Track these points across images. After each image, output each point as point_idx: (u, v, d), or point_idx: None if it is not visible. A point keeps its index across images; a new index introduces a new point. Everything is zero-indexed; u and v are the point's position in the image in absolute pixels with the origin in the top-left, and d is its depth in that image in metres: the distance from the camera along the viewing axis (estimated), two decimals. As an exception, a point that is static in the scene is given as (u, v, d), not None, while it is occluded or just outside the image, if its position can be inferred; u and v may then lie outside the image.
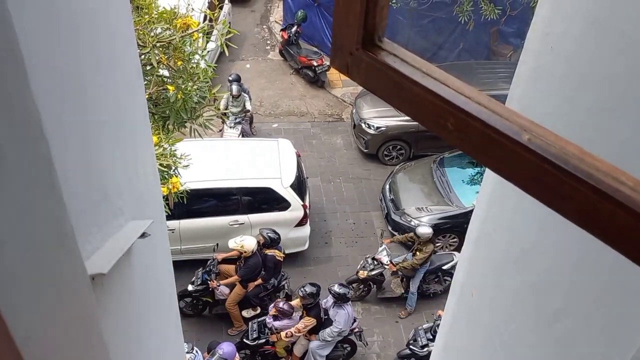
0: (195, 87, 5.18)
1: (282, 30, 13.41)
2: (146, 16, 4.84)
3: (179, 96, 5.14)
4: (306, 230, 9.24)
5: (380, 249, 8.87)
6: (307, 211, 9.05)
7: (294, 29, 12.79)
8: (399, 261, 8.64)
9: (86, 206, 1.11)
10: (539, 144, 0.79)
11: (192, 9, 5.31)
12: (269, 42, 14.37)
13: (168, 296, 2.47)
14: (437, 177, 9.93)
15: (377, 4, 0.97)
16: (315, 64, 12.59)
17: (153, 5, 4.71)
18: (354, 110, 11.47)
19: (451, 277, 8.88)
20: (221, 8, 10.91)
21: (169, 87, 5.01)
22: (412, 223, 9.32)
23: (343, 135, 11.98)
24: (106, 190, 1.24)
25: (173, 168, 5.26)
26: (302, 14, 12.81)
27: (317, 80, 12.88)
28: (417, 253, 8.52)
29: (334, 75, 13.03)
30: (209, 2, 10.57)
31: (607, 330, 1.36)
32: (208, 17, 5.48)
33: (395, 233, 9.59)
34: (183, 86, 5.13)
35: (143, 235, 1.38)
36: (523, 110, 1.38)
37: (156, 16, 4.75)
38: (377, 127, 10.87)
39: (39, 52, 1.06)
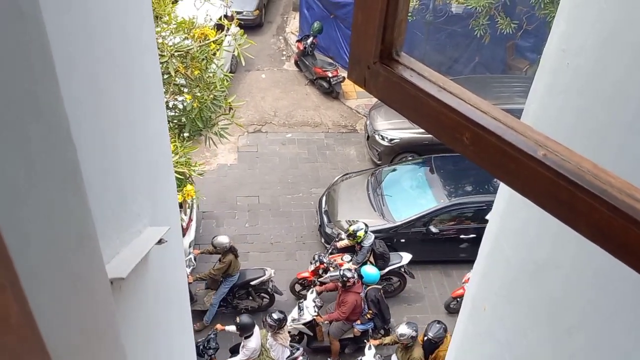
0: (211, 96, 5.24)
1: (297, 41, 13.50)
2: (165, 25, 4.92)
3: (195, 105, 5.20)
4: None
5: (186, 258, 8.44)
6: None
7: (309, 40, 12.87)
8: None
9: (107, 212, 1.13)
10: (554, 160, 0.79)
11: (210, 19, 5.38)
12: (284, 52, 14.47)
13: (181, 300, 2.49)
14: (372, 190, 9.81)
15: (395, 19, 0.98)
16: (330, 75, 12.65)
17: (172, 15, 4.78)
18: (367, 122, 11.49)
19: (267, 294, 8.48)
20: (242, 14, 11.00)
21: (185, 95, 5.08)
22: (342, 236, 9.07)
23: (356, 147, 12.00)
24: (125, 197, 1.27)
25: (187, 176, 5.31)
26: (318, 26, 12.91)
27: (331, 92, 12.93)
28: (217, 263, 8.27)
29: (348, 86, 13.08)
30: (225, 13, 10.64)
31: (622, 347, 1.35)
32: (225, 28, 5.55)
33: (327, 245, 9.35)
34: (199, 95, 5.19)
35: (160, 241, 1.40)
36: (538, 125, 1.38)
37: (175, 26, 4.82)
38: (391, 139, 10.87)
39: (64, 57, 1.09)
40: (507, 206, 1.70)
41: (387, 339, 7.94)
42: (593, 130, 1.23)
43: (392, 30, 1.00)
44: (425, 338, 7.57)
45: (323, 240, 9.68)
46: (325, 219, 9.62)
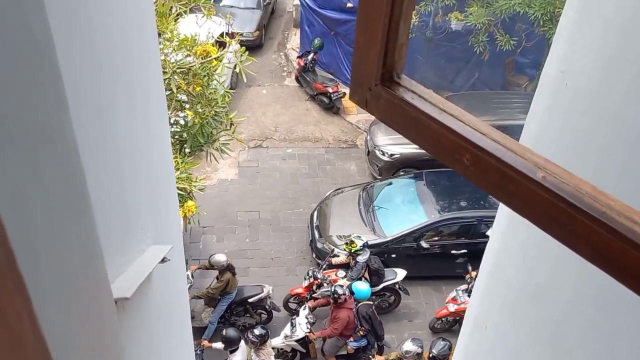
0: (212, 112, 5.27)
1: (298, 57, 13.61)
2: (167, 42, 4.97)
3: (196, 121, 5.23)
4: None
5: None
6: None
7: (310, 56, 12.97)
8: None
9: (112, 231, 1.14)
10: (553, 182, 0.80)
11: (212, 36, 5.43)
12: (285, 68, 14.57)
13: (182, 317, 2.48)
14: (363, 204, 9.78)
15: (396, 43, 1.00)
16: (330, 90, 12.73)
17: (174, 32, 4.83)
18: (368, 137, 11.54)
19: (264, 311, 8.35)
20: (242, 35, 11.10)
21: (187, 111, 5.11)
22: (337, 252, 8.99)
23: (357, 162, 12.03)
24: (129, 215, 1.28)
25: (188, 191, 5.32)
26: (319, 42, 13.02)
27: (332, 107, 13.00)
28: (215, 281, 8.20)
29: (348, 102, 13.13)
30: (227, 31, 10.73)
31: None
32: (227, 45, 5.60)
33: (319, 261, 9.27)
34: (201, 111, 5.22)
35: (163, 260, 1.40)
36: (538, 145, 1.40)
37: (177, 43, 4.87)
38: (391, 154, 10.90)
39: (71, 82, 1.11)
40: (508, 225, 1.71)
41: (392, 355, 7.87)
42: (592, 152, 1.24)
43: (393, 54, 1.02)
44: (430, 355, 7.51)
45: (314, 255, 9.62)
46: (317, 234, 9.56)
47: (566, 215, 0.78)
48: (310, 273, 8.59)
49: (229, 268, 8.17)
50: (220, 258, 8.12)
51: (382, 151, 10.98)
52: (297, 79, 13.73)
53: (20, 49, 0.61)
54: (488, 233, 8.21)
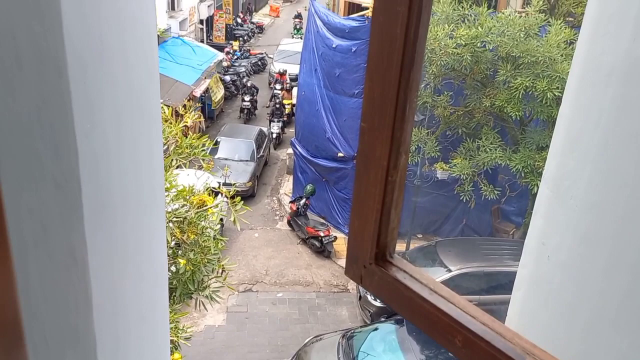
0: (205, 259, 5.30)
1: (291, 202, 14.01)
2: (165, 192, 5.15)
3: (187, 268, 5.23)
4: None
5: None
6: None
7: (302, 201, 13.37)
8: None
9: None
10: (541, 369, 0.84)
11: (209, 186, 5.65)
12: (277, 212, 14.89)
13: None
14: (342, 353, 9.26)
15: (388, 227, 1.09)
16: (322, 234, 12.92)
17: (173, 183, 5.03)
18: (359, 282, 11.44)
19: None
20: (236, 185, 11.49)
21: (179, 259, 5.14)
22: None
23: (348, 307, 11.81)
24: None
25: (174, 342, 5.16)
26: (311, 188, 13.50)
27: (323, 251, 13.09)
28: None
29: (340, 245, 13.25)
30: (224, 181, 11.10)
31: None
32: (223, 195, 5.81)
33: None
34: (193, 258, 5.25)
35: None
36: (524, 315, 1.44)
37: (175, 193, 5.05)
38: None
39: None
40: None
41: None
42: (576, 323, 1.28)
43: (385, 236, 1.11)
44: None
45: None
46: None
47: (556, 404, 0.81)
48: None
49: None
50: None
51: (373, 296, 10.84)
52: (289, 223, 13.99)
53: (57, 260, 0.68)
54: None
